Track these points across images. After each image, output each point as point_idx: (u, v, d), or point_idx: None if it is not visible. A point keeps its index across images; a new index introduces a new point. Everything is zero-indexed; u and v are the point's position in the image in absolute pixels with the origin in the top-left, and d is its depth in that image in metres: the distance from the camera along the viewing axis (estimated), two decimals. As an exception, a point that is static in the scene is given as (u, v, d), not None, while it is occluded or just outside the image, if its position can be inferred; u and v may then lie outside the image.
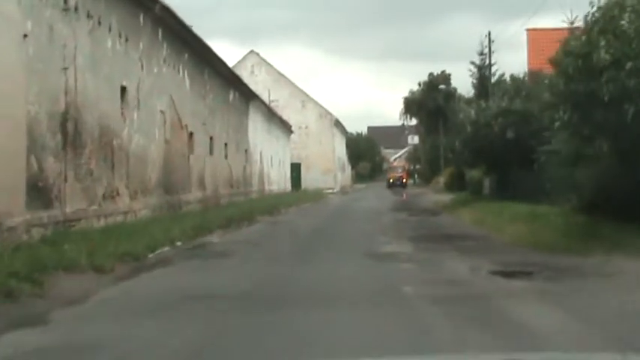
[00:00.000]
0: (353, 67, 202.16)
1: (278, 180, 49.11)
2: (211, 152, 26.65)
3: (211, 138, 26.60)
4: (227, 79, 29.88)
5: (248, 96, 36.02)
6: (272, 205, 29.64)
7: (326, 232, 19.15)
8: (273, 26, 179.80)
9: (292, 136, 60.51)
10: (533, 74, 30.07)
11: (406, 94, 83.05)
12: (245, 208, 24.62)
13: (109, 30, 15.81)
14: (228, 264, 12.44)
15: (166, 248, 13.76)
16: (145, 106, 18.28)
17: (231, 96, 31.30)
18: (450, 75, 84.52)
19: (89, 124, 14.45)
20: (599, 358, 3.78)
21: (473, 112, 28.82)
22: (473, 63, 55.26)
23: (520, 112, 27.37)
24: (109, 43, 15.88)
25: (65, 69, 13.29)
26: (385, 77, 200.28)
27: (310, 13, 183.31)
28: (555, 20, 57.18)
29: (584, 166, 17.27)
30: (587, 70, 12.87)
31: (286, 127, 55.60)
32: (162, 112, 19.84)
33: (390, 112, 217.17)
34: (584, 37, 13.40)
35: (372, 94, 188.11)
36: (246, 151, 35.13)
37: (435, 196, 47.89)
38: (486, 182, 34.08)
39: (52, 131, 12.68)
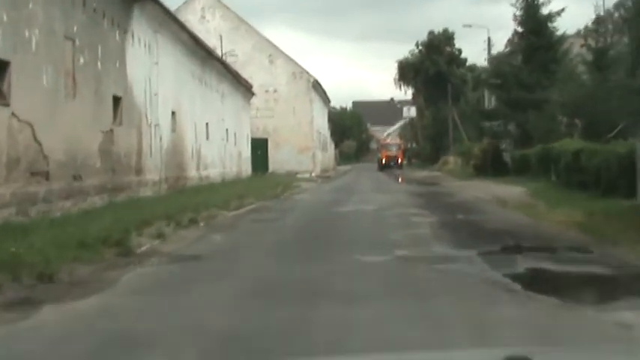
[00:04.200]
0: (335, 48, 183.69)
1: (223, 161, 29.56)
2: None
3: None
4: None
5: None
6: (127, 225, 10.26)
7: None
8: (256, 7, 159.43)
9: (254, 100, 40.95)
10: None
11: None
12: None
13: None
14: None
15: None
16: None
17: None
18: (453, 33, 65.56)
19: None
20: (604, 348, 3.37)
21: None
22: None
23: None
24: None
25: None
26: (369, 59, 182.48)
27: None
28: None
29: None
30: None
31: (241, 84, 35.91)
32: None
33: (375, 90, 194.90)
34: None
35: (356, 73, 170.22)
36: (118, 100, 15.63)
37: (467, 183, 28.45)
38: None
39: None
